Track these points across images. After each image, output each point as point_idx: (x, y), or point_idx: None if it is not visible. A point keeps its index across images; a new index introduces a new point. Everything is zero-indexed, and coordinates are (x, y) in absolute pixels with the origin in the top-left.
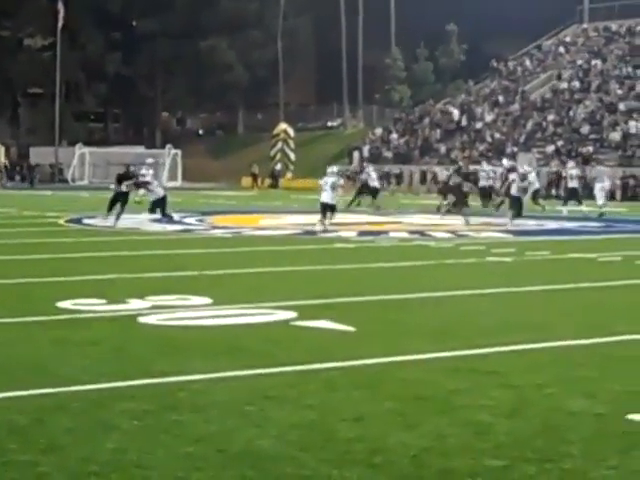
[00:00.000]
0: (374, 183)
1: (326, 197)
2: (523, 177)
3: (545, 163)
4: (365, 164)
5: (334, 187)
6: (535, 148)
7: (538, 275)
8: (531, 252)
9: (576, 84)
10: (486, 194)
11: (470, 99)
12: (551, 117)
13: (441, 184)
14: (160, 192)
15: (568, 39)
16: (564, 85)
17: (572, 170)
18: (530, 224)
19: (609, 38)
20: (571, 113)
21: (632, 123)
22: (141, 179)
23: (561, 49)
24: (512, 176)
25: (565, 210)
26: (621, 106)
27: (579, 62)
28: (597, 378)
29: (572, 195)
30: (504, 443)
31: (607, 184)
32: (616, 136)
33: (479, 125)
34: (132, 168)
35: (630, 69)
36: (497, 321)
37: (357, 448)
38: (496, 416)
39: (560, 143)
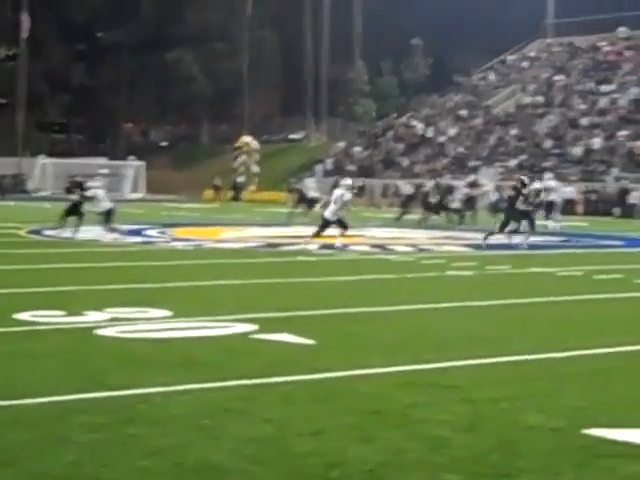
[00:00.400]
0: (311, 194)
1: (326, 211)
2: (537, 193)
3: (507, 177)
4: (307, 176)
5: (336, 201)
6: (498, 162)
7: (498, 289)
8: (492, 266)
9: (539, 99)
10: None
11: (434, 113)
12: (514, 131)
13: (404, 197)
14: (107, 205)
15: (532, 54)
16: (527, 100)
17: (550, 181)
18: (493, 238)
19: (573, 53)
20: (534, 128)
21: (594, 139)
22: (86, 192)
23: (525, 64)
24: (525, 191)
25: (549, 224)
26: (583, 121)
27: (543, 77)
28: (554, 393)
29: (552, 207)
30: (461, 458)
31: (561, 200)
32: (578, 151)
33: (442, 139)
34: (78, 178)
35: (593, 84)
36: (456, 335)
37: (314, 462)
38: (453, 431)
39: (523, 157)
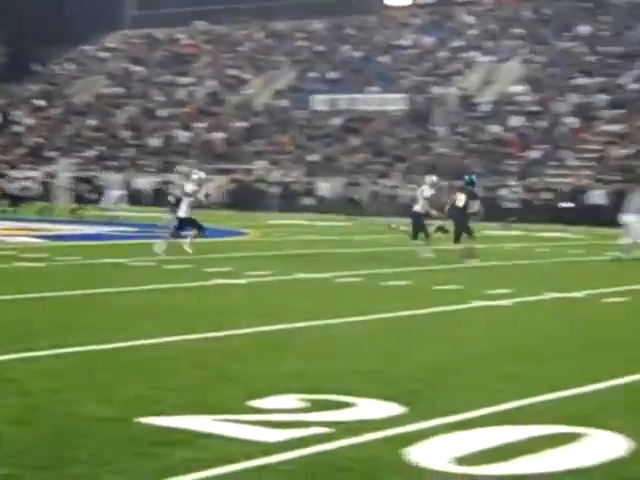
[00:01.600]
0: None
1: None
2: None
3: (85, 169)
4: None
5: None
6: (75, 153)
7: (64, 280)
8: (63, 257)
9: (118, 90)
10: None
11: (9, 102)
12: (92, 122)
13: None
14: None
15: (111, 45)
16: (106, 90)
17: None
18: (67, 229)
19: (151, 45)
20: (112, 118)
21: (172, 130)
22: None
23: (104, 54)
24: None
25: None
26: (161, 112)
27: (121, 68)
28: (114, 383)
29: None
30: (12, 451)
31: (120, 191)
32: (156, 142)
33: (19, 129)
34: None
35: (171, 76)
36: (20, 327)
37: None
38: (6, 424)
39: (101, 148)
